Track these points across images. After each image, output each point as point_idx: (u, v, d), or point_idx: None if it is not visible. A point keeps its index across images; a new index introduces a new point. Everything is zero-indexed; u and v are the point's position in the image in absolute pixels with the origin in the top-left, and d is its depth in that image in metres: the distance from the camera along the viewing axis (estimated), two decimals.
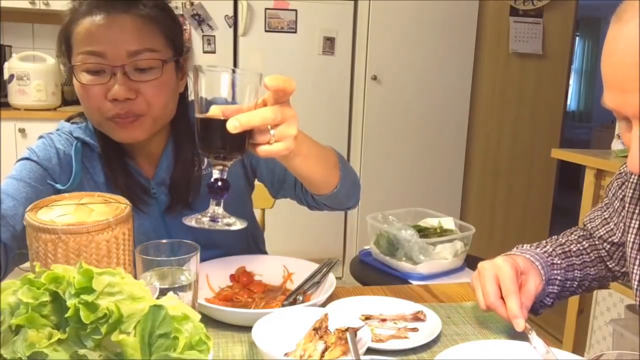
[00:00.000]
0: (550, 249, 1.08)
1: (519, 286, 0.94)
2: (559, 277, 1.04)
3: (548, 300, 1.05)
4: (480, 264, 0.98)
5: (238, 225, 0.83)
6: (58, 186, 1.07)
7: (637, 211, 0.96)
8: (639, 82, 0.67)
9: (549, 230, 3.76)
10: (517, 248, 1.07)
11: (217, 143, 0.79)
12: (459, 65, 3.47)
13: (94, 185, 1.10)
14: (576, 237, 1.13)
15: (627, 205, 0.99)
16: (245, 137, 0.79)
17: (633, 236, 0.96)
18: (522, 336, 0.97)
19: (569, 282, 1.07)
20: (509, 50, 3.55)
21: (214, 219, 0.82)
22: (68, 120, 1.17)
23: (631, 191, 0.98)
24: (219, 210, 0.83)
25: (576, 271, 1.07)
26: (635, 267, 0.95)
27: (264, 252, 1.41)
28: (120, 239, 0.87)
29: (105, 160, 1.10)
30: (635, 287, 0.95)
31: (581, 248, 1.10)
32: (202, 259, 1.15)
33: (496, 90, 3.59)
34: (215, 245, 1.18)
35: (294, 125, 0.80)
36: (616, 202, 1.05)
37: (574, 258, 1.08)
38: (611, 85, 0.71)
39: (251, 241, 1.32)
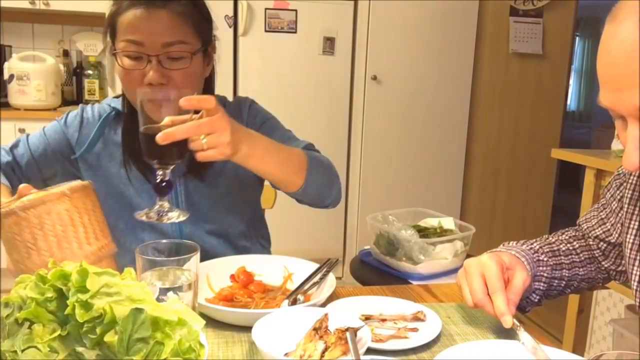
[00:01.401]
0: (537, 247, 1.08)
1: (506, 282, 0.94)
2: (545, 274, 1.05)
3: (534, 297, 1.05)
4: (466, 262, 0.98)
5: (181, 217, 0.97)
6: (73, 156, 1.24)
7: (636, 212, 0.96)
8: (634, 80, 0.67)
9: (549, 230, 3.75)
10: (503, 245, 1.07)
11: (157, 152, 0.92)
12: (459, 66, 3.46)
13: (111, 147, 1.23)
14: (567, 237, 1.13)
15: (625, 206, 0.99)
16: (181, 145, 0.91)
17: (632, 237, 0.96)
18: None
19: (556, 281, 1.07)
20: (509, 50, 3.55)
21: (160, 214, 0.95)
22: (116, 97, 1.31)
23: (630, 192, 0.98)
24: (166, 204, 0.97)
25: (564, 270, 1.07)
26: (635, 268, 0.95)
27: (267, 250, 1.42)
28: (82, 208, 0.90)
29: (126, 127, 1.22)
30: (634, 287, 0.95)
31: (571, 248, 1.10)
32: (206, 232, 1.26)
33: (496, 90, 3.59)
34: (213, 221, 1.26)
35: (225, 134, 0.91)
36: (614, 202, 1.05)
37: (562, 257, 1.08)
38: (606, 84, 0.71)
39: (252, 228, 1.36)
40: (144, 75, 1.10)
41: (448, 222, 1.79)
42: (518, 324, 0.90)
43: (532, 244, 1.08)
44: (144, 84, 1.10)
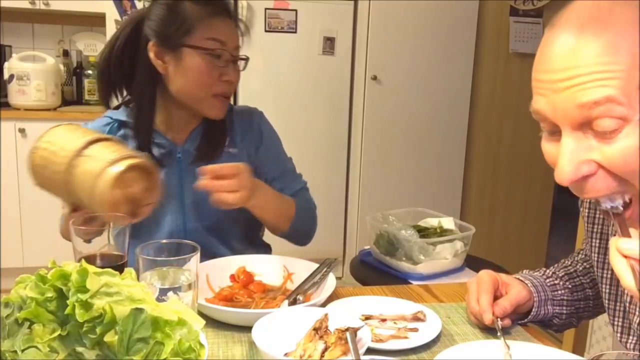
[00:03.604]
0: (550, 272, 1.09)
1: (502, 295, 1.00)
2: (566, 297, 1.05)
3: (557, 321, 1.05)
4: (468, 282, 1.05)
5: None
6: None
7: (595, 230, 0.96)
8: (570, 83, 0.65)
9: (549, 230, 3.75)
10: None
11: None
12: (459, 65, 3.46)
13: None
14: (582, 257, 1.13)
15: (585, 224, 0.98)
16: None
17: (596, 255, 0.96)
18: (522, 337, 0.97)
19: (582, 303, 1.07)
20: (509, 50, 3.55)
21: None
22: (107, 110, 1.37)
23: (587, 210, 0.97)
24: None
25: (587, 290, 1.07)
26: (603, 286, 0.94)
27: (264, 243, 1.47)
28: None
29: (137, 130, 1.29)
30: (606, 304, 0.94)
31: (587, 266, 1.10)
32: (207, 229, 1.31)
33: (496, 90, 3.59)
34: (214, 218, 1.31)
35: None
36: (582, 220, 1.05)
37: (581, 277, 1.08)
38: (543, 89, 0.70)
39: (249, 231, 1.41)
40: (220, 73, 1.25)
41: (448, 222, 1.79)
42: (499, 326, 0.94)
43: (545, 270, 1.10)
44: (218, 81, 1.25)
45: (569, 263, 1.12)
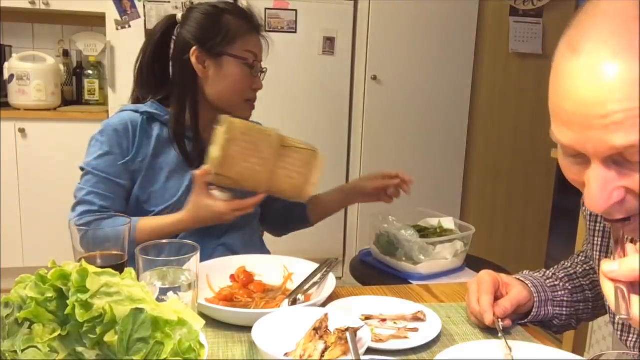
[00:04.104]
0: (550, 273, 1.09)
1: (503, 296, 1.00)
2: (565, 299, 1.05)
3: (557, 322, 1.06)
4: (468, 282, 1.05)
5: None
6: (125, 162, 1.31)
7: (597, 228, 0.96)
8: (606, 120, 0.60)
9: (549, 230, 3.75)
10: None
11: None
12: (459, 65, 3.46)
13: (157, 145, 1.34)
14: (582, 259, 1.13)
15: (587, 222, 0.98)
16: None
17: (597, 253, 0.96)
18: (522, 337, 0.97)
19: (581, 304, 1.07)
20: (509, 50, 3.55)
21: None
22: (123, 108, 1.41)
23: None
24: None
25: (586, 292, 1.07)
26: None
27: (264, 245, 1.50)
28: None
29: (175, 129, 1.35)
30: (607, 303, 0.94)
31: (587, 268, 1.10)
32: (230, 224, 1.37)
33: (496, 90, 3.59)
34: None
35: None
36: (583, 220, 1.05)
37: (580, 279, 1.08)
38: (571, 122, 0.64)
39: (256, 227, 1.51)
40: (251, 82, 1.41)
41: (448, 222, 1.79)
42: (500, 327, 0.93)
43: (546, 271, 1.10)
44: (249, 89, 1.41)
45: (569, 265, 1.12)
